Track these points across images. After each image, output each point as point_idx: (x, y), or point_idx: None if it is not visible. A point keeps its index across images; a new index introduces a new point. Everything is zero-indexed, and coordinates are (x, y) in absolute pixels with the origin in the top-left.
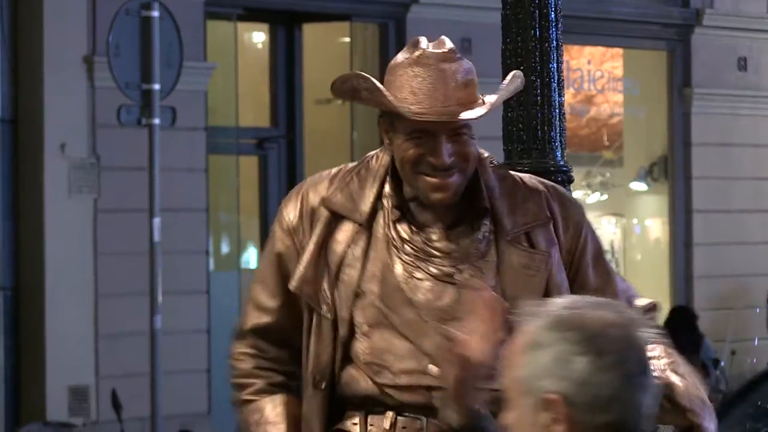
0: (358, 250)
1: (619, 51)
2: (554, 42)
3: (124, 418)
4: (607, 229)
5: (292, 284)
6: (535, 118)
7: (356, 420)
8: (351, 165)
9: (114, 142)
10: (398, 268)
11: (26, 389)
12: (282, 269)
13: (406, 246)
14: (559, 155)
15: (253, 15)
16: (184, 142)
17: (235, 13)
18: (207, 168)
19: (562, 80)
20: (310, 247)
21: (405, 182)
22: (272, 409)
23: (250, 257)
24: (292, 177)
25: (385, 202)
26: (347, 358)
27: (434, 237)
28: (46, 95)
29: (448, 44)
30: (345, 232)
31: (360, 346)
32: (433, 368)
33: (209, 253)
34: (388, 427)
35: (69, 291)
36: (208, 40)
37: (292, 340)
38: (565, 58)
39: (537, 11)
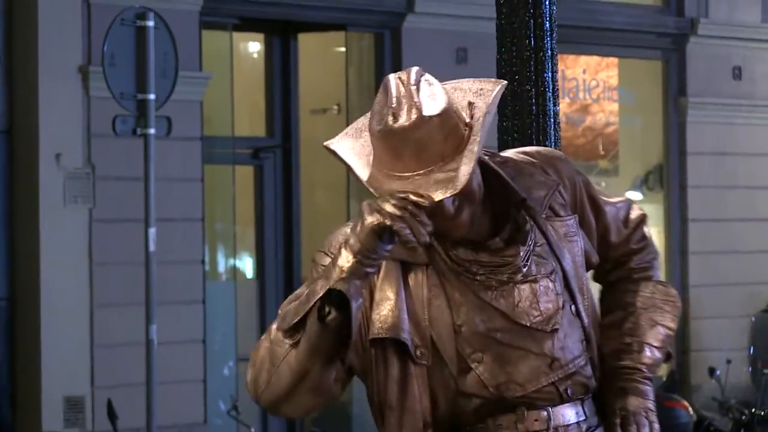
0: (435, 290)
1: (614, 60)
2: (549, 51)
3: (120, 429)
4: None
5: (382, 332)
6: (530, 128)
7: (481, 425)
8: None
9: (109, 151)
10: (479, 290)
11: (22, 399)
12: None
13: (473, 267)
14: None
15: (248, 25)
16: (179, 151)
17: (231, 22)
18: (203, 178)
19: (557, 89)
20: (391, 296)
21: None
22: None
23: (246, 267)
24: (288, 186)
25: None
26: (464, 392)
27: (493, 247)
28: (41, 105)
29: (413, 100)
30: (416, 275)
31: (477, 373)
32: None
33: (205, 263)
34: (515, 422)
35: (64, 301)
36: (203, 49)
37: None
38: (561, 67)
39: (532, 21)
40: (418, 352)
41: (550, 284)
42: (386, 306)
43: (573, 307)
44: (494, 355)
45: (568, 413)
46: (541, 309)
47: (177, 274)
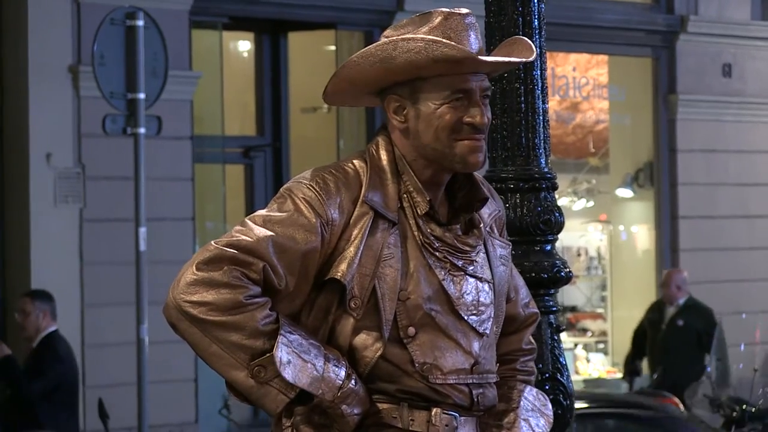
0: (395, 251)
1: (604, 58)
2: (538, 49)
3: (111, 428)
4: (593, 236)
5: (342, 277)
6: (519, 125)
7: (396, 414)
8: (357, 161)
9: (99, 151)
10: (436, 268)
11: None
12: (311, 257)
13: (435, 242)
14: (543, 162)
15: (238, 24)
16: (169, 151)
17: (221, 21)
18: (193, 177)
19: (546, 87)
20: (357, 246)
21: (434, 153)
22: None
23: None
24: (279, 185)
25: (405, 197)
26: (386, 357)
27: (456, 232)
28: (31, 105)
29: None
30: (381, 231)
31: (408, 349)
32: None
33: None
34: (428, 421)
35: (55, 301)
36: (193, 49)
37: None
38: (551, 65)
39: (520, 19)
40: (352, 303)
41: (489, 291)
42: (348, 253)
43: (495, 327)
44: (428, 336)
45: (469, 427)
46: (479, 309)
47: (168, 273)
